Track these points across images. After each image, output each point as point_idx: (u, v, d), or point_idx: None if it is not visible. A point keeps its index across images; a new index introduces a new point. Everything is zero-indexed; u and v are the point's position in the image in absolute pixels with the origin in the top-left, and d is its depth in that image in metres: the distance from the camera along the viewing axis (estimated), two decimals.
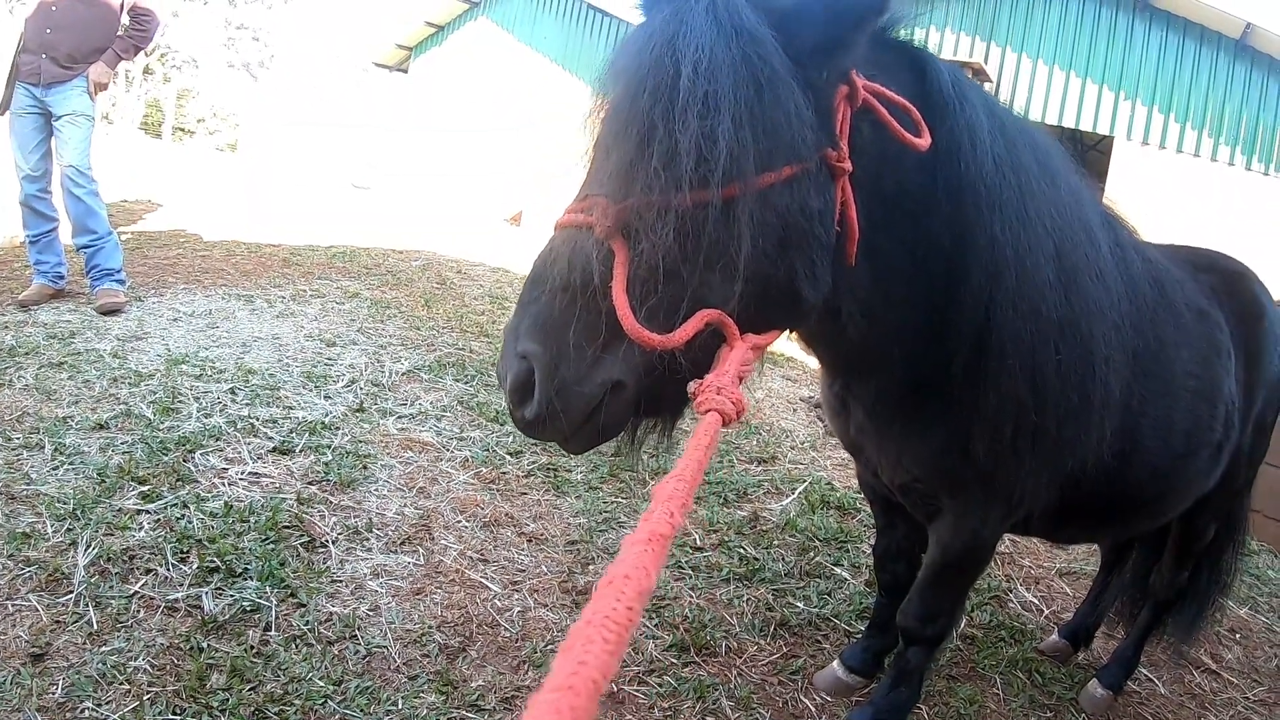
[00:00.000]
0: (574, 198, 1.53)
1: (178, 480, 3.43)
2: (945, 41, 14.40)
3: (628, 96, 1.41)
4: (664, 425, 1.65)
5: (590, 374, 1.41)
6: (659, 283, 1.39)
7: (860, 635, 3.14)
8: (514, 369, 1.43)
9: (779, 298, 1.55)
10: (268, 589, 2.85)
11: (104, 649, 2.48)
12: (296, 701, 2.40)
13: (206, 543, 3.03)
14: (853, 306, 1.82)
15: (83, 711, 2.25)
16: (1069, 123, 13.75)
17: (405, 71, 23.80)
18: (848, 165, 1.58)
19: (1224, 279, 2.91)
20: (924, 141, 1.70)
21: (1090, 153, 17.72)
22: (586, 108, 1.57)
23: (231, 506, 3.29)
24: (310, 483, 3.62)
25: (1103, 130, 13.63)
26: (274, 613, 2.76)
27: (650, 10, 1.55)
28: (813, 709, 2.89)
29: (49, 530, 2.96)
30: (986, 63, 14.06)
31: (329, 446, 3.96)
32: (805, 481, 4.71)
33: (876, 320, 1.88)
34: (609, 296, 1.37)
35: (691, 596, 3.35)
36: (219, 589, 2.82)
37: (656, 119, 1.36)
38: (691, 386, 1.39)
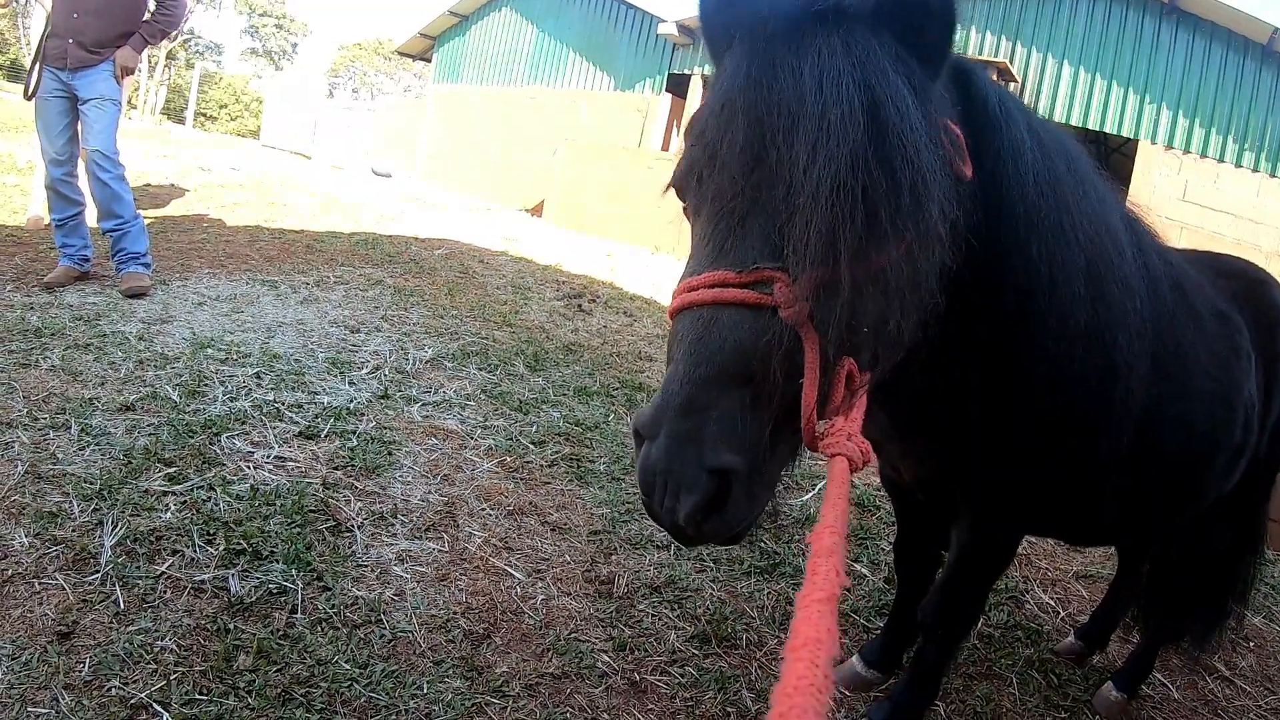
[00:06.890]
0: (718, 264, 1.31)
1: (204, 463, 3.45)
2: (971, 40, 14.34)
3: (813, 155, 1.24)
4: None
5: (774, 473, 1.32)
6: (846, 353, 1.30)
7: (879, 631, 3.15)
8: (705, 487, 1.20)
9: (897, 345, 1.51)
10: (294, 572, 2.87)
11: (131, 628, 2.49)
12: (322, 684, 2.42)
13: (233, 525, 3.06)
14: None
15: (109, 690, 2.25)
16: (1094, 125, 13.68)
17: (428, 60, 23.88)
18: None
19: (1245, 285, 2.89)
20: (968, 171, 1.69)
21: (1114, 155, 17.65)
22: (693, 146, 1.39)
23: (257, 490, 3.32)
24: (335, 468, 3.64)
25: (1127, 133, 13.55)
26: (300, 596, 2.78)
27: (774, 44, 1.37)
28: (831, 703, 2.90)
29: (76, 510, 2.99)
30: (1012, 63, 13.99)
31: (354, 432, 3.99)
32: (825, 478, 4.70)
33: None
34: (793, 387, 1.24)
35: (713, 589, 3.37)
36: (245, 571, 2.84)
37: (861, 185, 1.24)
38: (821, 427, 1.28)
